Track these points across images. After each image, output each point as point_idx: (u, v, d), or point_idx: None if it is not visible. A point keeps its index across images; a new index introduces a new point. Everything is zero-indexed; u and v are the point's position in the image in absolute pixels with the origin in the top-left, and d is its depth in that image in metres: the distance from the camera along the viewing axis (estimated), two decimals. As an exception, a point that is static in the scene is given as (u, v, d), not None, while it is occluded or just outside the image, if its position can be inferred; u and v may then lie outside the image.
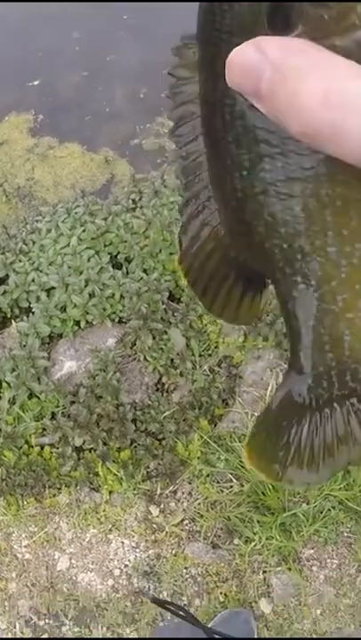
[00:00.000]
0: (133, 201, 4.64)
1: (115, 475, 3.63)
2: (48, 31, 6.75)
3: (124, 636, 3.38)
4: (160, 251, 4.18)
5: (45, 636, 3.44)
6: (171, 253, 4.16)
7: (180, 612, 1.64)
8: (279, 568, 3.42)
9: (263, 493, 3.47)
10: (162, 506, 3.61)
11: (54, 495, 3.69)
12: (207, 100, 0.67)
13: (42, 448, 3.72)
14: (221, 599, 3.39)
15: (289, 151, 0.62)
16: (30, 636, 3.44)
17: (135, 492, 3.63)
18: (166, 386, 3.92)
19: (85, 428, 3.67)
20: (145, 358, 3.91)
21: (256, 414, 3.66)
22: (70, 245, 4.28)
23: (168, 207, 4.35)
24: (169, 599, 3.43)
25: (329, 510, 3.46)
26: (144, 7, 6.27)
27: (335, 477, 3.44)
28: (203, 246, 0.78)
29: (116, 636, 3.39)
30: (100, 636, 3.40)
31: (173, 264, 4.10)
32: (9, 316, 4.25)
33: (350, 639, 3.27)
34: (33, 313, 4.08)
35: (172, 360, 3.87)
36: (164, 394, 3.89)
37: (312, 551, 3.47)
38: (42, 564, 3.60)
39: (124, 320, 4.07)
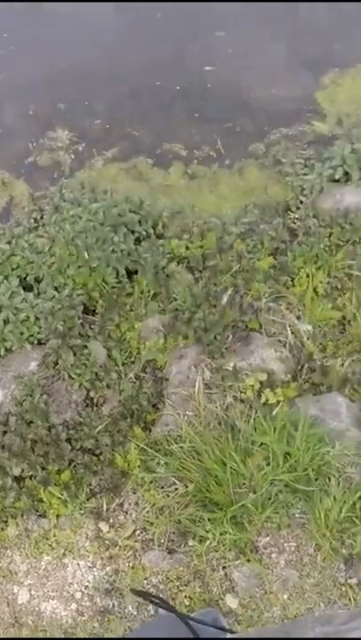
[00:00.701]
0: (35, 220, 4.60)
1: (59, 498, 3.58)
2: None
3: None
4: (68, 266, 4.15)
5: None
6: (79, 267, 4.11)
7: (161, 603, 1.61)
8: (238, 561, 3.40)
9: (208, 490, 3.44)
10: (111, 521, 3.57)
11: (2, 529, 3.63)
12: None
13: (-19, 485, 3.65)
14: (187, 603, 3.36)
15: None
16: None
17: (82, 511, 3.58)
18: (95, 400, 3.88)
19: (21, 456, 3.62)
20: (69, 376, 3.86)
21: (188, 413, 3.63)
22: (-23, 274, 4.22)
23: (70, 221, 4.31)
24: (135, 612, 3.39)
25: (277, 495, 3.44)
26: (26, 24, 6.19)
27: (277, 461, 3.43)
28: None
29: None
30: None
31: (84, 277, 4.07)
32: None
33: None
34: None
35: (96, 373, 3.83)
36: (94, 408, 3.86)
37: (268, 538, 3.46)
38: (2, 601, 3.53)
39: (42, 341, 4.02)
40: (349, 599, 3.32)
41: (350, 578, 3.38)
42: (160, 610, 3.34)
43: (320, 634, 1.28)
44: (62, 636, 3.39)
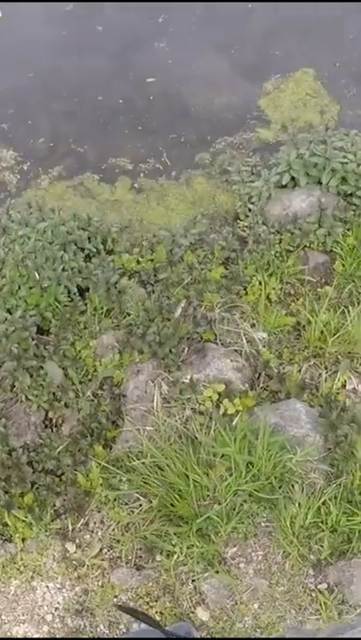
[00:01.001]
0: (-17, 242, 4.56)
1: (23, 521, 3.54)
2: None
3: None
4: (19, 287, 4.11)
5: None
6: (30, 287, 4.09)
7: (146, 619, 1.61)
8: (207, 573, 3.39)
9: (172, 504, 3.44)
10: (77, 541, 3.55)
11: (-32, 556, 3.60)
12: None
13: None
14: (158, 618, 3.34)
15: None
16: None
17: (48, 533, 3.55)
18: (54, 420, 3.86)
19: (-18, 482, 3.59)
20: (27, 398, 3.83)
21: (148, 428, 3.63)
22: None
23: (18, 242, 4.28)
24: (107, 631, 3.37)
25: (241, 505, 3.44)
26: None
27: (240, 472, 3.43)
28: None
29: None
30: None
31: (36, 297, 4.04)
32: None
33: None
34: None
35: (54, 394, 3.81)
36: (54, 429, 3.83)
37: (235, 549, 3.46)
38: (-27, 628, 3.50)
39: (-3, 364, 3.99)
40: (320, 605, 3.32)
41: (320, 583, 3.39)
42: (135, 626, 3.34)
43: None
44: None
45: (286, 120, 5.18)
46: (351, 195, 4.40)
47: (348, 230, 4.28)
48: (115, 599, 3.40)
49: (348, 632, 1.22)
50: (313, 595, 3.37)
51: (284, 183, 4.52)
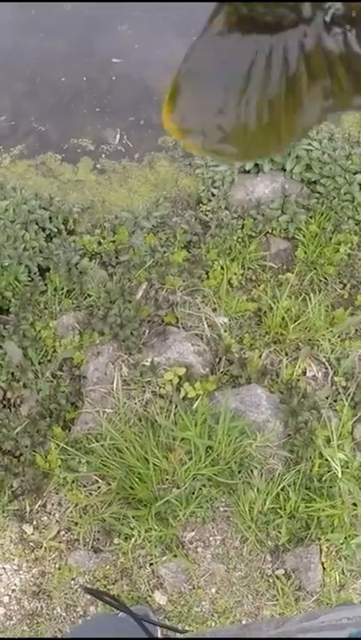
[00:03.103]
0: None
1: (-21, 502, 3.51)
2: None
3: None
4: (-22, 265, 4.06)
5: None
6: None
7: (114, 602, 1.58)
8: (165, 557, 3.39)
9: (131, 487, 3.42)
10: (35, 522, 3.52)
11: None
12: None
13: None
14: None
15: None
16: None
17: (4, 514, 3.52)
18: (12, 400, 3.81)
19: None
20: (-15, 378, 3.79)
21: (107, 410, 3.60)
22: None
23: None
24: (64, 614, 3.35)
25: (200, 489, 3.44)
26: None
27: (200, 456, 3.43)
28: None
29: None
30: None
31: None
32: None
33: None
34: None
35: (12, 374, 3.76)
36: (12, 409, 3.79)
37: (193, 533, 3.46)
38: None
39: None
40: (277, 590, 3.34)
41: (277, 569, 3.40)
42: (93, 609, 3.32)
43: (278, 634, 1.27)
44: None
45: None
46: (315, 182, 4.40)
47: (310, 218, 4.28)
48: (72, 581, 3.39)
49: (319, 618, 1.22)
50: (270, 580, 3.39)
51: (247, 169, 4.50)
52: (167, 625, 1.80)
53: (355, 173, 4.33)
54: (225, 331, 3.92)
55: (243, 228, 4.24)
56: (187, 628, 3.30)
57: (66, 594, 3.36)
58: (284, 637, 1.14)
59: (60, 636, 3.31)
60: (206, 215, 4.39)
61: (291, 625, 1.32)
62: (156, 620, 3.25)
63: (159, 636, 2.93)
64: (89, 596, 3.36)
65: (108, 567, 3.40)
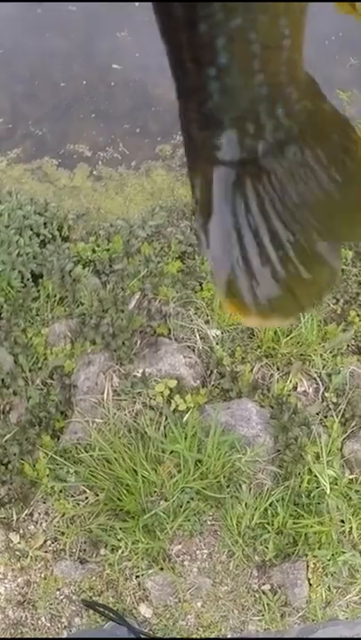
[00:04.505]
0: None
1: (-34, 509, 3.50)
2: None
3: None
4: (-29, 270, 4.05)
5: None
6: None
7: (111, 615, 1.59)
8: (151, 570, 3.38)
9: (120, 499, 3.42)
10: (21, 531, 3.51)
11: None
12: None
13: None
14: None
15: None
16: None
17: (-9, 522, 3.51)
18: (1, 407, 3.79)
19: None
20: (-25, 384, 3.78)
21: (97, 421, 3.59)
22: None
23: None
24: (48, 624, 3.35)
25: (188, 502, 3.44)
26: None
27: (188, 469, 3.43)
28: None
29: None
30: None
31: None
32: None
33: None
34: None
35: (2, 380, 3.75)
36: (1, 416, 3.77)
37: (180, 546, 3.45)
38: None
39: None
40: (263, 605, 3.34)
41: (264, 584, 3.40)
42: (78, 620, 3.32)
43: None
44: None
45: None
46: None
47: (306, 232, 4.27)
48: (57, 592, 3.38)
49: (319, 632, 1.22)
50: (256, 595, 3.39)
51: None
52: (157, 637, 1.79)
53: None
54: (217, 343, 3.91)
55: (238, 239, 4.23)
56: (172, 642, 3.31)
57: (51, 604, 3.35)
58: (287, 637, 1.14)
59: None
60: (202, 226, 4.38)
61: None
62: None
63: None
64: (74, 608, 3.36)
65: (93, 578, 3.39)
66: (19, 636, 3.32)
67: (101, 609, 1.61)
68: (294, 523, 3.46)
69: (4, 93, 5.21)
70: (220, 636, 3.31)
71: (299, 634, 1.33)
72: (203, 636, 3.32)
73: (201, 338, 3.91)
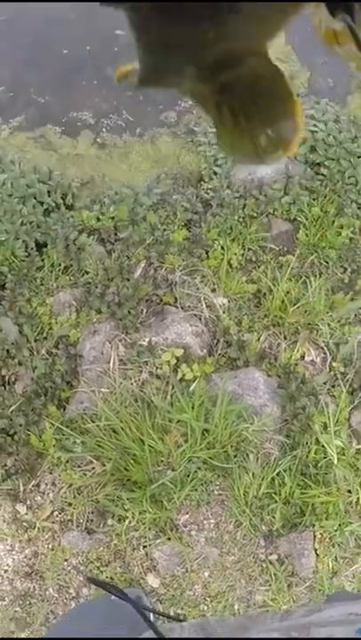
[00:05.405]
0: None
1: (-28, 480, 3.48)
2: None
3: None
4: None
5: None
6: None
7: (118, 593, 1.56)
8: (158, 540, 3.37)
9: (126, 469, 3.40)
10: (28, 502, 3.49)
11: None
12: None
13: None
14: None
15: None
16: None
17: (-2, 493, 3.49)
18: (7, 378, 3.76)
19: None
20: (-20, 354, 3.75)
21: (103, 390, 3.57)
22: None
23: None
24: (56, 595, 3.34)
25: (195, 472, 3.42)
26: None
27: (196, 438, 3.40)
28: None
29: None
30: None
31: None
32: None
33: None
34: None
35: (7, 351, 3.72)
36: (7, 387, 3.74)
37: (187, 516, 3.44)
38: None
39: None
40: (270, 575, 3.33)
41: (270, 554, 3.39)
42: (85, 590, 3.31)
43: (283, 628, 1.24)
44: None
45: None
46: (319, 164, 4.34)
47: (313, 200, 4.23)
48: (65, 562, 3.37)
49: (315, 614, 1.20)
50: (263, 565, 3.38)
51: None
52: (166, 614, 1.78)
53: (360, 157, 4.28)
54: (224, 312, 3.88)
55: (244, 208, 4.19)
56: (179, 611, 3.29)
57: (59, 575, 3.34)
58: (297, 637, 1.11)
59: (52, 619, 3.30)
60: (208, 194, 4.34)
61: (296, 618, 1.30)
62: (147, 601, 3.24)
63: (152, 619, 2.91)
64: (81, 578, 3.35)
65: (101, 549, 3.38)
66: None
67: (107, 586, 1.58)
68: (301, 493, 3.44)
69: (6, 61, 5.14)
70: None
71: (306, 613, 1.30)
72: (210, 605, 3.32)
73: (207, 306, 3.87)
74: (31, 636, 3.29)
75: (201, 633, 1.35)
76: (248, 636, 1.31)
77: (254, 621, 1.39)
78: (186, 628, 1.38)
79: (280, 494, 3.44)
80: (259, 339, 3.84)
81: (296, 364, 3.77)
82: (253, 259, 4.13)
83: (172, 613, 3.29)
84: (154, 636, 1.31)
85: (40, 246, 4.08)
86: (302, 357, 3.83)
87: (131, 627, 1.64)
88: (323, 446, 3.52)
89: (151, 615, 2.87)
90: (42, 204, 4.19)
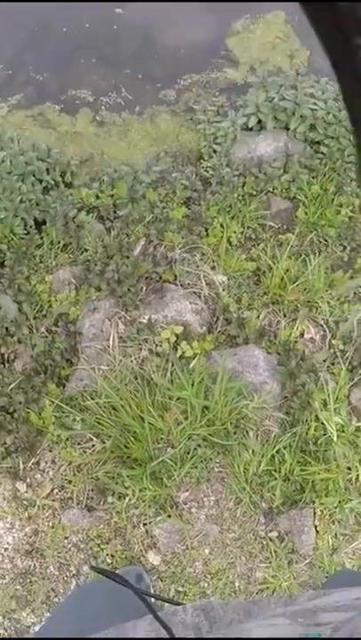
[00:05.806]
0: None
1: (-28, 458, 3.48)
2: None
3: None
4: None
5: None
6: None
7: (120, 581, 1.56)
8: (159, 517, 3.37)
9: (126, 446, 3.39)
10: (28, 480, 3.49)
11: None
12: None
13: None
14: (109, 561, 3.33)
15: None
16: None
17: (-2, 471, 3.49)
18: (6, 356, 3.75)
19: None
20: (-21, 332, 3.74)
21: (103, 368, 3.56)
22: None
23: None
24: (57, 573, 3.34)
25: (195, 449, 3.42)
26: None
27: (195, 416, 3.40)
28: None
29: (13, 621, 3.28)
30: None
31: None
32: None
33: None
34: None
35: (6, 328, 3.71)
36: (6, 364, 3.73)
37: (187, 493, 3.44)
38: None
39: None
40: (270, 553, 3.33)
41: (271, 531, 3.39)
42: (86, 568, 3.31)
43: (289, 613, 1.24)
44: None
45: (255, 62, 5.05)
46: (319, 143, 4.32)
47: (313, 178, 4.21)
48: (65, 540, 3.37)
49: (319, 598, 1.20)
50: (263, 542, 3.38)
51: (250, 126, 4.42)
52: (165, 598, 1.77)
53: (359, 134, 4.26)
54: (223, 290, 3.87)
55: (244, 186, 4.18)
56: (180, 588, 3.30)
57: (59, 552, 3.35)
58: (305, 637, 1.10)
59: (53, 596, 3.31)
60: (207, 172, 4.33)
61: (301, 603, 1.29)
62: (148, 579, 3.24)
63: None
64: (82, 556, 3.35)
65: (101, 526, 3.38)
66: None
67: (111, 575, 1.58)
68: (301, 470, 3.45)
69: (4, 39, 5.11)
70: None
71: (310, 598, 1.29)
72: (211, 582, 3.32)
73: (207, 284, 3.87)
74: (32, 614, 3.30)
75: (203, 615, 1.35)
76: (253, 620, 1.30)
77: (259, 606, 1.39)
78: (189, 610, 1.37)
79: (280, 471, 3.44)
80: (258, 316, 3.83)
81: (296, 342, 3.76)
82: (253, 236, 4.12)
83: (172, 590, 3.30)
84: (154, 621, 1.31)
85: (39, 224, 4.07)
86: (302, 335, 3.82)
87: (134, 609, 1.64)
88: (322, 423, 3.52)
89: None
90: (41, 181, 4.17)
